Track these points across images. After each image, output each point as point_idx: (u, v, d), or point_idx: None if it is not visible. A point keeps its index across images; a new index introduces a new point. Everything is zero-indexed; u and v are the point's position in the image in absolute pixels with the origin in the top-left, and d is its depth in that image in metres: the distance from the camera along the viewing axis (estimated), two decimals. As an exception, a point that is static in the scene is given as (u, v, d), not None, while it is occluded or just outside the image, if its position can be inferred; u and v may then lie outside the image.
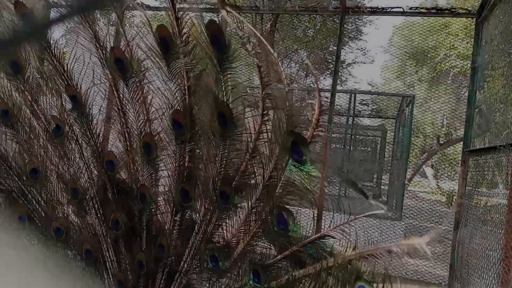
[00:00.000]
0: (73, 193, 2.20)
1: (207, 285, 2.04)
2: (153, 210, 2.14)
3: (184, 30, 1.95)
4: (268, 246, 1.93)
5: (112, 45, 2.11)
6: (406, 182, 11.53)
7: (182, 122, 2.00)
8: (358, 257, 1.73)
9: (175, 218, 2.10)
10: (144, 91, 2.17)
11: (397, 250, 1.62)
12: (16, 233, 2.18)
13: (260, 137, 1.90)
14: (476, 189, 4.58)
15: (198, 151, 2.07)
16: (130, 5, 2.36)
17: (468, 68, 11.69)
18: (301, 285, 1.81)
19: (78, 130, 2.24)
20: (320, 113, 1.80)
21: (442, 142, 18.89)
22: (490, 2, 4.77)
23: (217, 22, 1.70)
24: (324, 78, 16.62)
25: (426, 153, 19.86)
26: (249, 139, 1.91)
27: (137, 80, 2.12)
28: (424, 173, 24.44)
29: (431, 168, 23.08)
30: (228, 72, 1.85)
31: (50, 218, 2.21)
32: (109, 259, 2.17)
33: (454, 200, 14.06)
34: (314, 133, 1.81)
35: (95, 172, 2.25)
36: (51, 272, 2.11)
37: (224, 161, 1.94)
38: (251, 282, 1.87)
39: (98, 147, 2.22)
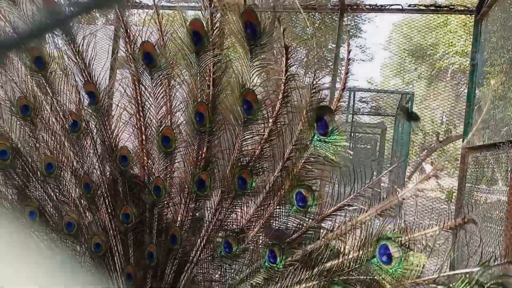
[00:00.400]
0: (85, 188, 2.24)
1: (219, 272, 2.08)
2: (165, 202, 2.18)
3: (217, 22, 1.99)
4: (285, 226, 1.97)
5: (143, 40, 2.14)
6: (406, 179, 11.54)
7: (204, 113, 2.03)
8: (374, 215, 1.82)
9: (188, 208, 2.13)
10: (170, 84, 2.22)
11: (409, 194, 1.67)
12: (26, 229, 2.21)
13: (280, 119, 1.95)
14: (476, 186, 4.59)
15: (216, 140, 2.11)
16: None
17: (467, 65, 11.69)
18: (318, 251, 1.86)
19: (93, 125, 2.29)
20: (345, 82, 1.86)
21: (441, 139, 18.90)
22: (488, -1, 4.77)
23: (254, 9, 1.74)
24: (323, 76, 16.61)
25: (425, 150, 19.88)
26: (269, 123, 1.95)
27: (164, 73, 2.16)
28: (423, 170, 24.46)
29: (430, 165, 23.09)
30: (259, 58, 1.88)
31: (61, 213, 2.24)
32: (118, 253, 2.21)
33: (454, 197, 14.07)
34: (338, 105, 1.87)
35: (108, 167, 2.29)
36: (61, 268, 2.15)
37: (244, 147, 1.98)
38: (266, 263, 1.90)
39: (112, 142, 2.26)
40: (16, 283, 1.75)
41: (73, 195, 2.28)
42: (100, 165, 2.29)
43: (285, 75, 1.86)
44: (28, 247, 2.19)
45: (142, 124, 2.23)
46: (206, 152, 2.10)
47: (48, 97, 2.29)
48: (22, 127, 2.30)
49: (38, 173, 2.27)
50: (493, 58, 4.83)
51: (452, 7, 5.42)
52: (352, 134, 12.93)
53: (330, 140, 1.79)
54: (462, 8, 5.40)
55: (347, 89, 10.70)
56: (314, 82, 1.83)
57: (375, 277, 1.69)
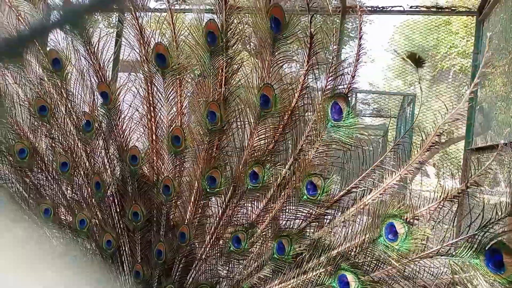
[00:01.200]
0: (96, 187, 2.29)
1: (227, 268, 2.10)
2: (174, 200, 2.21)
3: (232, 23, 2.06)
4: (293, 217, 2.01)
5: (156, 41, 2.20)
6: (408, 181, 11.51)
7: (216, 112, 2.07)
8: (380, 193, 1.85)
9: (198, 205, 2.17)
10: (182, 84, 2.27)
11: (411, 168, 1.68)
12: (38, 227, 2.27)
13: (296, 112, 1.99)
14: (478, 187, 4.57)
15: (228, 138, 2.16)
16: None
17: (469, 66, 11.68)
18: (325, 239, 1.90)
19: (105, 126, 2.35)
20: (357, 62, 1.90)
21: (443, 140, 18.86)
22: (490, 0, 4.77)
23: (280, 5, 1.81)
24: (323, 78, 16.60)
25: (427, 152, 19.80)
26: (286, 116, 1.99)
27: (176, 74, 2.21)
28: (426, 172, 24.42)
29: (433, 167, 23.04)
30: (281, 50, 1.95)
31: (74, 210, 2.30)
32: (126, 250, 2.25)
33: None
34: (350, 86, 1.90)
35: (118, 167, 2.35)
36: (72, 265, 2.18)
37: (256, 142, 2.03)
38: (275, 255, 1.93)
39: (123, 142, 2.31)
40: (27, 280, 1.78)
41: (85, 193, 2.34)
42: (110, 165, 2.34)
43: (307, 65, 1.90)
44: (40, 244, 2.24)
45: (153, 124, 2.28)
46: (217, 150, 2.14)
47: (63, 98, 2.35)
48: (39, 127, 2.39)
49: (53, 171, 2.34)
50: (495, 59, 4.82)
51: (454, 8, 5.42)
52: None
53: (345, 124, 1.85)
54: (464, 10, 5.40)
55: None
56: (332, 68, 1.90)
57: (382, 257, 1.72)
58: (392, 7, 5.51)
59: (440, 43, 14.50)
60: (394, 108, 11.62)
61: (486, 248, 1.50)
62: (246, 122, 2.07)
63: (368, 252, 1.77)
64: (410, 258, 1.67)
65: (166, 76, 2.22)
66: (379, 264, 1.75)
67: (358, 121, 1.85)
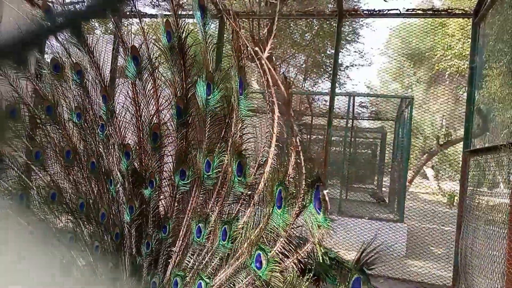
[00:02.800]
0: (109, 183, 2.44)
1: (192, 259, 2.15)
2: (156, 195, 2.35)
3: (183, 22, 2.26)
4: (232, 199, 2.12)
5: (132, 45, 2.38)
6: (407, 183, 11.53)
7: (181, 107, 2.25)
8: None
9: (174, 199, 2.30)
10: (156, 84, 2.42)
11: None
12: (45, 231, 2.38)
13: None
14: (478, 189, 4.57)
15: (192, 132, 2.30)
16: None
17: (465, 67, 11.72)
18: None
19: (105, 126, 2.49)
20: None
21: (441, 142, 18.90)
22: (486, 2, 4.79)
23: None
24: (322, 81, 16.66)
25: (426, 154, 19.86)
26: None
27: (148, 73, 2.38)
28: (424, 174, 24.44)
29: (431, 169, 23.08)
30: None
31: (97, 205, 2.44)
32: (126, 243, 2.36)
33: (455, 200, 14.05)
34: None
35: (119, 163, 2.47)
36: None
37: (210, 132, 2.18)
38: (220, 243, 2.01)
39: (120, 139, 2.45)
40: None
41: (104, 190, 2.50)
42: (117, 163, 2.48)
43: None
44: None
45: (139, 123, 2.43)
46: (186, 144, 2.29)
47: (66, 99, 2.54)
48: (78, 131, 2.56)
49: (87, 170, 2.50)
50: (491, 61, 4.84)
51: (450, 10, 5.44)
52: (352, 139, 12.93)
53: (318, 216, 1.80)
54: (460, 12, 5.43)
55: (346, 94, 10.72)
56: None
57: (276, 228, 1.79)
58: (389, 10, 5.53)
59: (437, 45, 14.57)
60: (392, 111, 11.65)
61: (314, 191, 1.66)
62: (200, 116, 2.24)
63: (267, 227, 1.84)
64: (291, 222, 1.76)
65: (142, 76, 2.39)
66: (277, 237, 1.82)
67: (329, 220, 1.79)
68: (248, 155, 2.05)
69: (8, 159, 2.51)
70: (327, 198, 1.69)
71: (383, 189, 13.69)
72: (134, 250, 2.34)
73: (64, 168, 2.51)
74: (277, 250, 1.79)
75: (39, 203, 2.44)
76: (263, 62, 1.86)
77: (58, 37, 2.42)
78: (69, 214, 2.43)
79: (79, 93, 2.51)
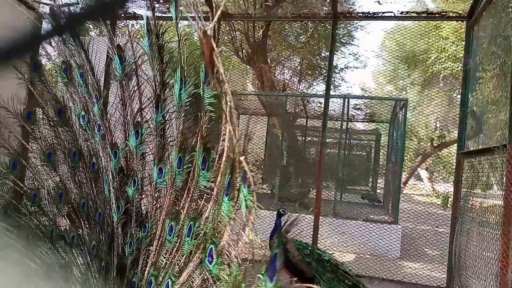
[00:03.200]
0: (105, 183, 2.46)
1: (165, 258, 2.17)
2: (138, 194, 2.36)
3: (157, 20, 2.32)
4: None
5: (117, 44, 2.44)
6: (402, 185, 11.57)
7: (159, 103, 2.29)
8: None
9: (153, 197, 2.29)
10: (139, 82, 2.46)
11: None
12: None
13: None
14: (471, 191, 4.60)
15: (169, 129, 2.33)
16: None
17: (459, 70, 11.79)
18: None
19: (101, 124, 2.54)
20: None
21: (436, 144, 19.00)
22: (480, 5, 4.83)
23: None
24: (317, 83, 16.68)
25: (420, 156, 19.95)
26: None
27: (131, 70, 2.44)
28: (419, 176, 24.55)
29: (426, 171, 23.18)
30: None
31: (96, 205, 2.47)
32: (116, 242, 2.39)
33: (449, 202, 14.12)
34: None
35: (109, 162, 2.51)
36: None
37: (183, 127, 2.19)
38: (167, 237, 2.07)
39: (110, 138, 2.49)
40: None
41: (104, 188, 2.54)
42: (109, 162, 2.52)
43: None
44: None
45: (125, 121, 2.47)
46: (163, 141, 2.32)
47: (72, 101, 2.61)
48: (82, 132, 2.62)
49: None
50: (485, 63, 4.87)
51: (444, 13, 5.47)
52: (347, 141, 12.96)
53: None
54: (454, 15, 5.46)
55: (341, 96, 10.74)
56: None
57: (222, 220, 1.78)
58: (383, 13, 5.56)
59: (431, 48, 14.64)
60: (386, 113, 11.69)
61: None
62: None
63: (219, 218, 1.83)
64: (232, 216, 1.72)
65: (126, 74, 2.45)
66: (224, 228, 1.80)
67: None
68: (212, 148, 2.04)
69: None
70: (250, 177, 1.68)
71: (378, 191, 13.73)
72: (120, 249, 2.36)
73: (71, 169, 2.58)
74: (224, 241, 1.77)
75: (49, 202, 2.51)
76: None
77: (61, 39, 2.50)
78: (73, 213, 2.48)
79: (83, 95, 2.58)
